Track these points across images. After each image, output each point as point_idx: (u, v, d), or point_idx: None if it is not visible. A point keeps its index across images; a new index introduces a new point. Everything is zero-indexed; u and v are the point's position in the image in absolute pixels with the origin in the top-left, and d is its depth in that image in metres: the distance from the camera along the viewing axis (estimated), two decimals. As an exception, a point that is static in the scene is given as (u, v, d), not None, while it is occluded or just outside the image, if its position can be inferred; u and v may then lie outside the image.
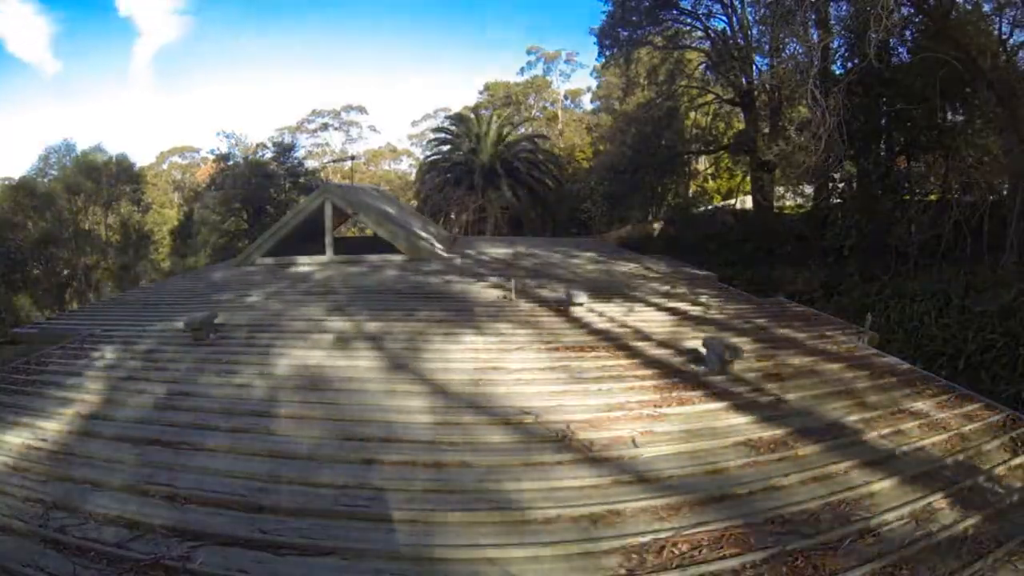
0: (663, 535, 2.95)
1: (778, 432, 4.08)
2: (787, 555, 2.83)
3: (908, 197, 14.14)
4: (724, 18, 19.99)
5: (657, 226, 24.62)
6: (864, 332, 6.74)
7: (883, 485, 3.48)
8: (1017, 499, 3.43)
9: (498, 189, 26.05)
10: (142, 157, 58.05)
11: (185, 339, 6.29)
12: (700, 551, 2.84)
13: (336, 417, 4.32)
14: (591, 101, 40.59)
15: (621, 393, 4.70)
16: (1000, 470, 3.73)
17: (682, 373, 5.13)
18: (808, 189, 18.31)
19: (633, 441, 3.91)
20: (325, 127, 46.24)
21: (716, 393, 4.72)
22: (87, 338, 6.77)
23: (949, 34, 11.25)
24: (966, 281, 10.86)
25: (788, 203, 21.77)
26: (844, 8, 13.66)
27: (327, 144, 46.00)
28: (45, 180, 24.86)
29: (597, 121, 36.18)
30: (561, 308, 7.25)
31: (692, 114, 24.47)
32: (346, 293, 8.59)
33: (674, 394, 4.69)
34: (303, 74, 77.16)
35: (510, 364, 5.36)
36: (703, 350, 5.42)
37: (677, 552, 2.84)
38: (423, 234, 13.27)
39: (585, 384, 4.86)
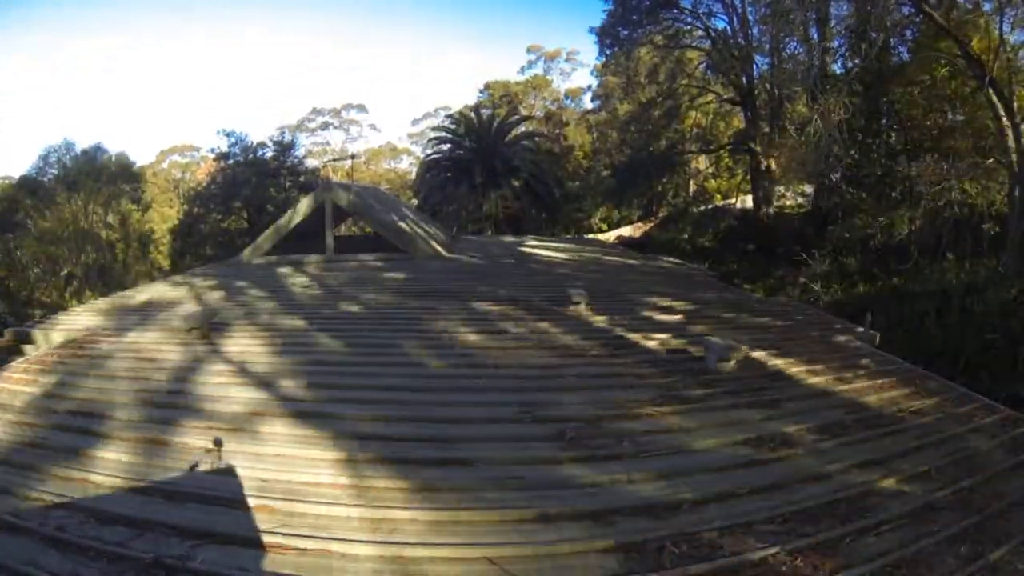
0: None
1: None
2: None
3: (908, 197, 14.13)
4: (724, 17, 20.01)
5: (657, 225, 24.62)
6: (863, 331, 6.74)
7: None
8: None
9: (498, 188, 26.00)
10: (142, 156, 58.27)
11: (185, 337, 6.29)
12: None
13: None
14: (591, 100, 40.48)
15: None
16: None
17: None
18: (808, 189, 18.33)
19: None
20: (325, 126, 46.22)
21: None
22: (87, 336, 6.77)
23: (949, 34, 11.24)
24: (966, 281, 10.85)
25: (788, 203, 21.77)
26: (844, 8, 13.67)
27: (327, 143, 46.01)
28: (45, 179, 24.80)
29: (597, 120, 36.08)
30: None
31: (692, 113, 24.48)
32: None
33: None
34: (304, 72, 77.17)
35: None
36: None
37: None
38: (422, 233, 13.26)
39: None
